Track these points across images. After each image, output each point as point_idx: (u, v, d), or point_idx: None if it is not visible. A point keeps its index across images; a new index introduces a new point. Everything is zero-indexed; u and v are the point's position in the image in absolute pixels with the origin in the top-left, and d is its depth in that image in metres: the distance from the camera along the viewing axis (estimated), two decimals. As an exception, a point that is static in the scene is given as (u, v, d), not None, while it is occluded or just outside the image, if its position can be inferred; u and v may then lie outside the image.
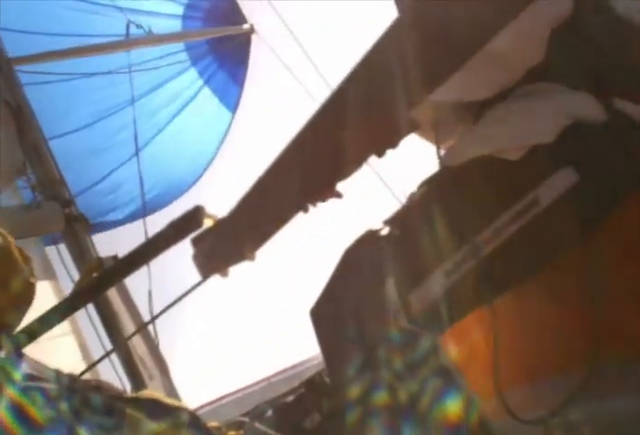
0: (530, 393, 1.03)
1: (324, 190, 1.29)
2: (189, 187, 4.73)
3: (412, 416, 1.12)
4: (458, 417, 1.08)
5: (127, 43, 4.02)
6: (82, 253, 2.86)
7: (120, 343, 2.60)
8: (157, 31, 4.16)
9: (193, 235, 1.50)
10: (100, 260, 2.82)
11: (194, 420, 1.21)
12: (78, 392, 0.99)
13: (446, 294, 1.11)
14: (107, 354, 2.32)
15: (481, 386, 1.13)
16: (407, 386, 1.12)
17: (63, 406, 0.92)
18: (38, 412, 0.87)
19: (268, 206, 1.33)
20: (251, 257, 1.40)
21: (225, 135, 4.71)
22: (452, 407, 1.09)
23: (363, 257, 1.26)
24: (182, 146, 4.65)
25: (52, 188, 2.92)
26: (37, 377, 0.98)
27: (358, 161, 1.25)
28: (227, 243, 1.42)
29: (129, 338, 2.53)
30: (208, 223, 1.50)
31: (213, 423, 1.64)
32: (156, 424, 1.10)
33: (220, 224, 1.46)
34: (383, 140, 1.23)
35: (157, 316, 2.02)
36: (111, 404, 1.02)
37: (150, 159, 4.22)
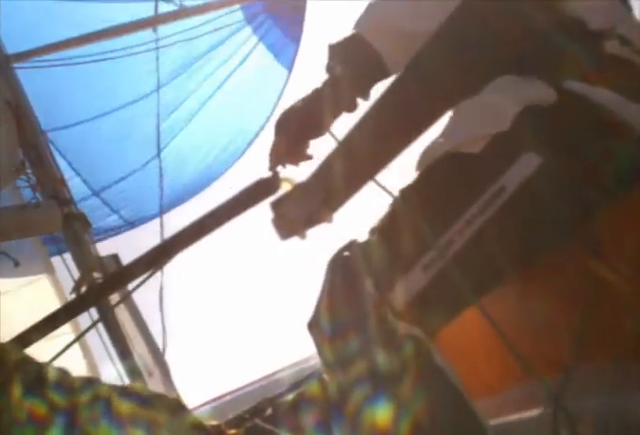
0: (529, 392, 1.03)
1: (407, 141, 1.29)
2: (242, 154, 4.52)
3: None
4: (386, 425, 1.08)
5: (180, 13, 3.91)
6: (82, 252, 2.87)
7: (120, 340, 2.61)
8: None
9: (271, 199, 1.51)
10: (100, 259, 2.83)
11: (181, 407, 1.23)
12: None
13: (425, 290, 1.11)
14: (94, 324, 2.30)
15: (478, 384, 1.13)
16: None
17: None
18: None
19: (347, 170, 1.36)
20: (329, 220, 1.43)
21: (281, 93, 4.48)
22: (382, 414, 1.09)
23: (344, 265, 1.27)
24: (234, 108, 4.51)
25: (51, 187, 2.92)
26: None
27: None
28: (306, 206, 1.44)
29: (115, 305, 2.52)
30: (285, 187, 1.52)
31: (213, 421, 1.65)
32: (141, 408, 1.11)
33: (298, 187, 1.49)
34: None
35: (139, 285, 1.98)
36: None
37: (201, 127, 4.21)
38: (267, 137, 1.54)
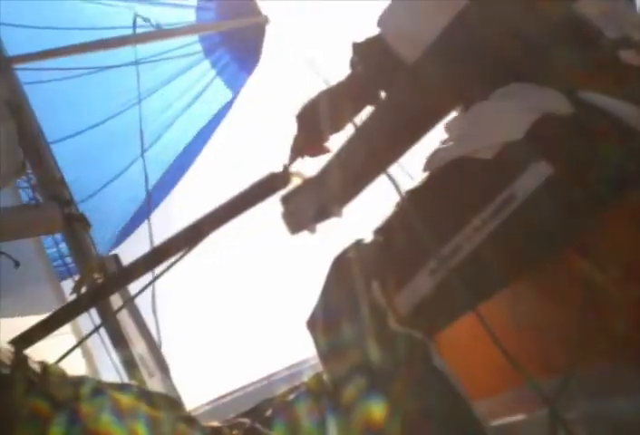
0: (526, 394, 1.04)
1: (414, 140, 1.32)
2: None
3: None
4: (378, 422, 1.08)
5: (136, 37, 3.90)
6: (82, 253, 2.86)
7: (120, 341, 2.61)
8: (168, 21, 4.08)
9: (281, 193, 1.54)
10: (100, 260, 2.82)
11: (173, 402, 1.23)
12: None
13: (432, 294, 1.11)
14: (96, 329, 2.30)
15: (479, 385, 1.14)
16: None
17: None
18: None
19: (358, 163, 1.38)
20: (338, 214, 1.44)
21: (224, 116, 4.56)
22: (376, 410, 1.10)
23: (349, 266, 1.27)
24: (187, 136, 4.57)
25: (51, 187, 2.92)
26: None
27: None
28: (315, 200, 1.45)
29: (117, 310, 2.51)
30: (295, 181, 1.53)
31: (213, 423, 1.65)
32: (140, 401, 1.11)
33: (308, 182, 1.50)
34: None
35: (141, 292, 2.00)
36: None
37: (157, 155, 4.21)
38: (289, 129, 1.54)
